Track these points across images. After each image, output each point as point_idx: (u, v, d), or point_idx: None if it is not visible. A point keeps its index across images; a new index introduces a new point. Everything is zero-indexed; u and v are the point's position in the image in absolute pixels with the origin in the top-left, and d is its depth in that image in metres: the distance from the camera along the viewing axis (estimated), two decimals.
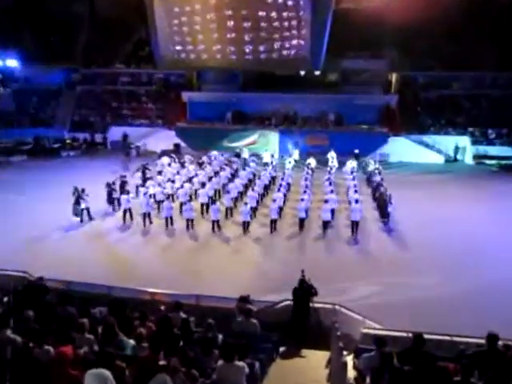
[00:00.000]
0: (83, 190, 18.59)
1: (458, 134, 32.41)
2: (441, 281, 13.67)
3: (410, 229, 17.95)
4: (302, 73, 33.63)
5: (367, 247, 16.55)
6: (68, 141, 35.31)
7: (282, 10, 27.99)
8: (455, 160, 31.64)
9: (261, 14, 28.13)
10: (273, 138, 32.87)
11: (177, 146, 32.93)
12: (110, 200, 19.52)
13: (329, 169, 24.47)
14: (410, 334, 7.01)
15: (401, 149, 31.78)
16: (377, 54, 34.39)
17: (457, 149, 31.74)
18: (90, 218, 18.64)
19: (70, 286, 10.78)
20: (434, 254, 15.65)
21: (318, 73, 32.80)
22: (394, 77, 36.38)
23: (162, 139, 33.64)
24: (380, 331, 8.76)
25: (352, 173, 23.39)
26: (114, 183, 19.92)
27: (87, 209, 18.58)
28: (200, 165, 24.79)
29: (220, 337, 7.79)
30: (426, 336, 6.82)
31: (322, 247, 16.51)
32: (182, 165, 24.62)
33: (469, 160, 31.51)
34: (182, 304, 8.76)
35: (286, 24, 28.32)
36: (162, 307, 8.99)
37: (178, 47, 31.41)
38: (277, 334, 9.40)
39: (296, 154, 29.65)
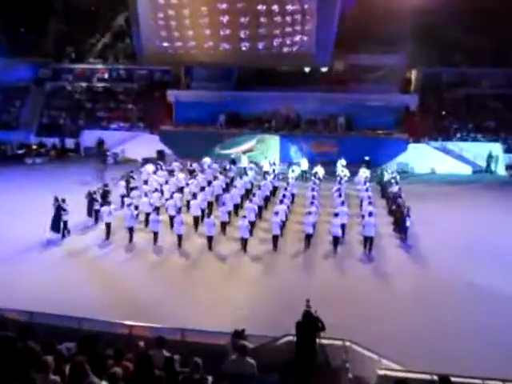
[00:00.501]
0: (64, 200, 19.25)
1: (487, 141, 32.79)
2: (470, 313, 13.68)
3: (431, 247, 18.44)
4: (307, 69, 34.21)
5: (383, 268, 17.05)
6: (34, 146, 35.63)
7: (285, 3, 29.03)
8: (488, 171, 31.58)
9: (260, 8, 29.01)
10: (273, 143, 33.37)
11: (161, 153, 33.53)
12: (91, 212, 20.19)
13: (338, 178, 25.20)
14: (436, 377, 6.96)
15: (422, 157, 32.31)
16: (393, 47, 34.30)
17: (490, 158, 31.86)
18: (67, 232, 19.22)
19: (33, 318, 10.81)
20: (460, 278, 15.79)
21: (324, 69, 33.17)
22: (413, 74, 36.99)
23: (144, 145, 34.17)
24: (400, 373, 8.77)
25: (365, 183, 24.13)
26: (95, 192, 20.64)
27: (65, 222, 19.17)
28: (190, 173, 25.45)
29: (210, 379, 7.73)
30: (454, 379, 6.76)
31: (331, 267, 17.12)
32: (170, 173, 25.27)
33: (501, 171, 31.82)
34: (166, 340, 8.67)
35: (288, 19, 29.34)
36: (142, 343, 8.95)
37: (165, 43, 32.26)
38: (277, 375, 9.42)
39: (304, 163, 29.89)
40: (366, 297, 14.79)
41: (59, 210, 18.92)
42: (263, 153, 32.58)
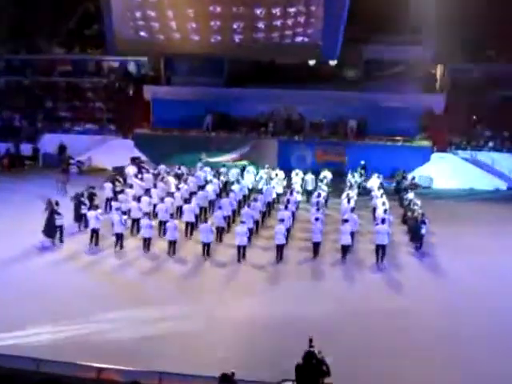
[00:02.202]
0: (57, 203, 24.55)
1: None
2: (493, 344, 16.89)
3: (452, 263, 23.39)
4: (312, 63, 38.71)
5: (402, 287, 21.35)
6: None
7: None
8: None
9: None
10: (270, 151, 38.06)
11: (135, 160, 36.53)
12: (78, 216, 25.65)
13: (348, 184, 30.65)
14: None
15: (448, 170, 36.76)
16: (415, 39, 38.90)
17: None
18: (61, 241, 24.57)
19: None
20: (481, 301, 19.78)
21: (333, 63, 37.83)
22: (439, 70, 41.54)
23: (115, 152, 38.16)
24: None
25: (379, 189, 29.50)
26: (82, 195, 26.02)
27: (61, 227, 24.41)
28: (178, 178, 30.69)
29: None
30: None
31: (339, 279, 22.06)
32: (156, 177, 30.58)
33: None
34: None
35: (291, 10, 34.38)
36: None
37: (142, 33, 37.01)
38: None
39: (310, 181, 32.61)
40: (378, 322, 18.11)
41: (52, 214, 24.10)
42: (257, 162, 35.89)
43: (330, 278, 22.42)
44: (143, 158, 38.10)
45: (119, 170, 33.60)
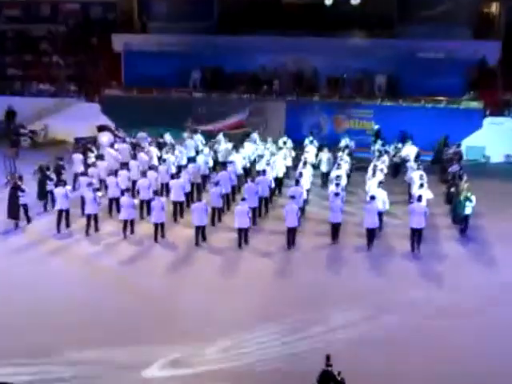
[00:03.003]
0: (48, 168, 27.53)
1: None
2: None
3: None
4: (329, 2, 40.09)
5: (442, 280, 22.96)
6: None
7: None
8: None
9: None
10: (276, 115, 40.24)
11: (103, 129, 39.35)
12: (43, 193, 28.22)
13: (377, 153, 32.90)
14: None
15: (504, 139, 38.93)
16: None
17: None
18: (28, 221, 27.41)
19: None
20: None
21: (356, 2, 39.46)
22: (494, 9, 43.59)
23: (78, 118, 40.26)
24: None
25: (417, 159, 31.53)
26: (48, 168, 28.51)
27: (25, 206, 27.05)
28: (160, 147, 33.14)
29: None
30: None
31: (365, 273, 23.62)
32: (134, 147, 33.09)
33: None
34: None
35: None
36: None
37: None
38: None
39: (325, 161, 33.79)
40: (414, 324, 19.37)
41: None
42: (260, 130, 37.98)
43: (351, 269, 24.12)
44: (112, 126, 40.13)
45: (84, 142, 35.93)
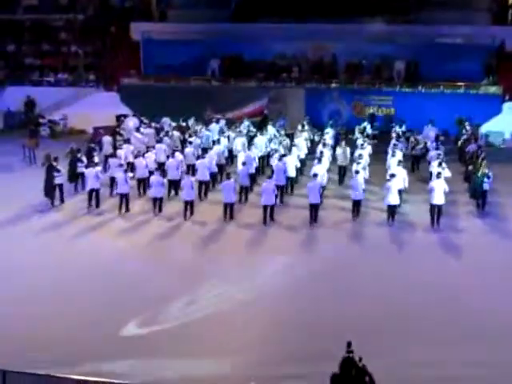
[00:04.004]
0: (79, 151, 29.15)
1: None
2: None
3: None
4: None
5: (461, 253, 24.03)
6: None
7: None
8: None
9: None
10: (295, 102, 40.94)
11: (121, 119, 39.28)
12: (74, 175, 29.60)
13: (395, 135, 34.07)
14: None
15: None
16: None
17: None
18: (62, 201, 28.67)
19: None
20: None
21: None
22: None
23: (97, 108, 41.10)
24: None
25: (436, 139, 32.96)
26: (79, 150, 29.98)
27: (60, 186, 28.50)
28: (183, 132, 34.61)
29: None
30: None
31: (387, 247, 24.81)
32: (158, 131, 34.64)
33: None
34: None
35: None
36: None
37: None
38: None
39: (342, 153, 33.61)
40: (437, 299, 19.71)
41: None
42: (280, 117, 38.72)
43: (373, 243, 25.29)
44: (131, 115, 40.51)
45: (103, 131, 36.54)
